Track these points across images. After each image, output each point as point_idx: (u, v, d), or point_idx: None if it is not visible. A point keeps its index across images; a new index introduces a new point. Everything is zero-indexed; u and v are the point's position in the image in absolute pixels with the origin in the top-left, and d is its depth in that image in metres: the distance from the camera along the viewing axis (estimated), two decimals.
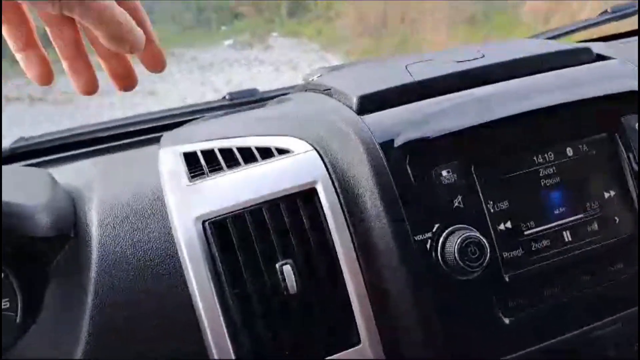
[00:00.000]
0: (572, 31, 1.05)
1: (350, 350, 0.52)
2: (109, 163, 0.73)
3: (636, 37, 0.92)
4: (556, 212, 0.57)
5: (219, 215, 0.51)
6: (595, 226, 0.58)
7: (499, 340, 0.53)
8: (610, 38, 1.06)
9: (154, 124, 0.93)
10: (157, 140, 0.72)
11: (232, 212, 0.52)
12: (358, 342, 0.52)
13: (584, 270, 0.57)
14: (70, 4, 0.35)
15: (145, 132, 0.91)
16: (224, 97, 0.97)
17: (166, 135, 0.70)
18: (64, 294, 0.55)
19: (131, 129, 0.93)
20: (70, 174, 0.68)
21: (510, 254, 0.55)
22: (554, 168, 0.58)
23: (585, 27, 1.04)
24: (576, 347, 0.55)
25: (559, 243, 0.56)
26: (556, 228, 0.57)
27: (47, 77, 0.41)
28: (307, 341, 0.51)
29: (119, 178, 0.64)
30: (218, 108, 0.92)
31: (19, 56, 0.41)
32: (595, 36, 1.09)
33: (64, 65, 0.42)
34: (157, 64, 0.43)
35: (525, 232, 0.56)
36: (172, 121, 0.92)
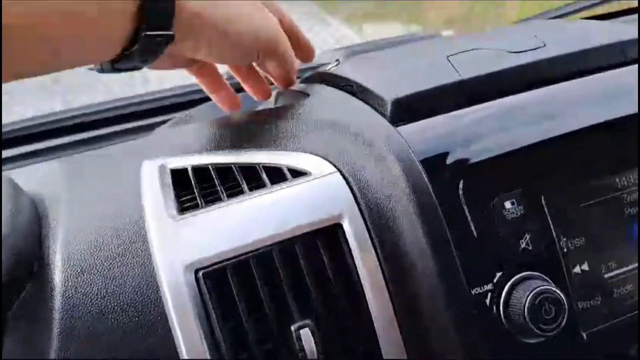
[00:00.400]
0: (577, 11, 0.95)
1: None
2: (81, 161, 0.60)
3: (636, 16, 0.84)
4: None
5: (216, 263, 0.39)
6: None
7: None
8: (608, 17, 0.95)
9: (139, 108, 0.80)
10: (147, 128, 0.60)
11: (233, 257, 0.40)
12: None
13: None
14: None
15: (134, 118, 0.78)
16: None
17: (156, 135, 0.58)
18: (24, 351, 0.43)
19: (120, 112, 0.81)
20: (33, 176, 0.56)
21: (587, 304, 0.43)
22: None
23: (590, 7, 0.94)
24: None
25: None
26: None
27: (237, 106, 0.62)
28: None
29: (91, 190, 0.52)
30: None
31: (212, 97, 0.61)
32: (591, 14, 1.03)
33: (212, 97, 0.62)
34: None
35: (606, 275, 0.44)
36: (157, 105, 0.80)
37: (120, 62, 0.44)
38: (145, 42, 0.41)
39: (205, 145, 0.51)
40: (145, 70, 0.50)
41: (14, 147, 0.80)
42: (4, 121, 0.82)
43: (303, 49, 0.59)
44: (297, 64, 0.59)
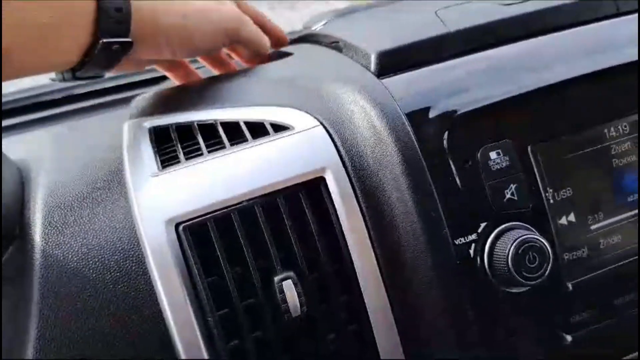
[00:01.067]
0: None
1: None
2: (67, 131, 0.60)
3: None
4: (630, 199, 0.45)
5: (198, 217, 0.39)
6: None
7: None
8: None
9: (132, 80, 0.79)
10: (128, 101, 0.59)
11: (214, 211, 0.39)
12: None
13: None
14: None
15: (123, 89, 0.77)
16: None
17: (137, 101, 0.57)
18: (7, 314, 0.43)
19: (107, 85, 0.80)
20: (21, 145, 0.55)
21: (573, 255, 0.43)
22: (629, 143, 0.45)
23: None
24: None
25: (632, 238, 0.44)
26: (630, 219, 0.44)
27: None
28: None
29: (74, 154, 0.51)
30: None
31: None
32: None
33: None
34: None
35: (592, 227, 0.44)
36: (146, 77, 0.78)
37: (80, 72, 0.44)
38: (102, 51, 0.42)
39: (187, 104, 0.50)
40: None
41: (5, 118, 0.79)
42: None
43: (271, 34, 0.58)
44: (267, 40, 0.57)
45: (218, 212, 0.39)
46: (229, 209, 0.39)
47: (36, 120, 0.79)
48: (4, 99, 0.83)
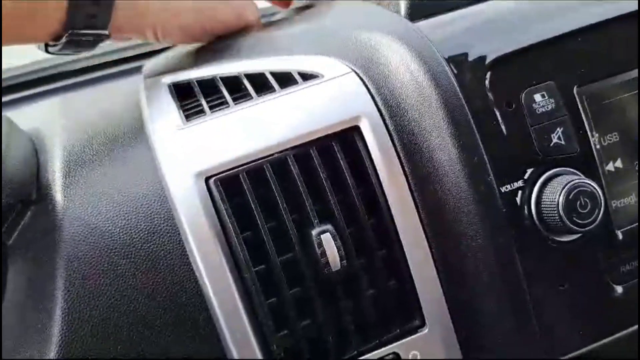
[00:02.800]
0: None
1: (412, 337, 0.39)
2: (77, 99, 0.58)
3: None
4: None
5: (229, 170, 0.37)
6: None
7: (609, 315, 0.40)
8: None
9: (136, 52, 0.77)
10: (138, 70, 0.56)
11: (245, 164, 0.37)
12: (422, 324, 0.39)
13: None
14: None
15: (125, 62, 0.74)
16: None
17: (151, 62, 0.55)
18: (30, 277, 0.41)
19: (110, 58, 0.77)
20: (31, 116, 0.53)
21: (621, 203, 0.41)
22: None
23: None
24: None
25: None
26: None
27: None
28: (356, 330, 0.38)
29: (88, 118, 0.49)
30: None
31: None
32: None
33: None
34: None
35: None
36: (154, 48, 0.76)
37: (53, 49, 0.44)
38: (71, 40, 0.42)
39: (206, 60, 0.48)
40: None
41: (16, 92, 0.77)
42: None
43: None
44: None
45: (250, 164, 0.37)
46: (261, 160, 0.37)
47: (43, 93, 0.77)
48: (10, 74, 0.81)
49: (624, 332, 0.40)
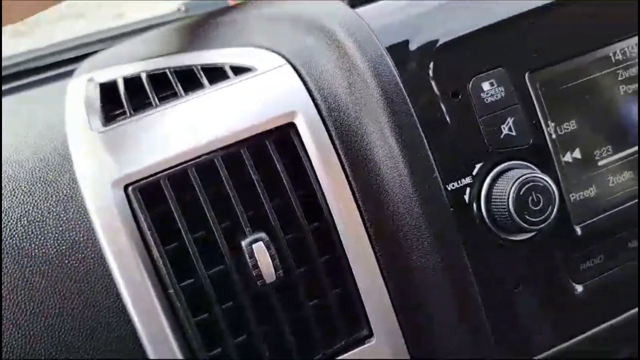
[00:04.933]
0: None
1: (360, 348, 0.36)
2: (14, 104, 0.54)
3: None
4: None
5: (149, 176, 0.34)
6: None
7: (568, 317, 0.38)
8: None
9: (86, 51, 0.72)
10: None
11: (168, 169, 0.34)
12: (370, 335, 0.36)
13: None
14: None
15: (74, 61, 0.70)
16: (178, 9, 0.76)
17: (87, 62, 0.51)
18: None
19: (60, 58, 0.73)
20: None
21: (580, 196, 0.38)
22: (637, 67, 0.40)
23: None
24: None
25: None
26: None
27: None
28: (298, 345, 0.35)
29: (19, 125, 0.45)
30: (169, 24, 0.71)
31: None
32: None
33: None
34: None
35: (600, 163, 0.39)
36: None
37: None
38: None
39: (137, 56, 0.44)
40: None
41: None
42: None
43: None
44: None
45: (173, 169, 0.34)
46: (185, 164, 0.34)
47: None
48: None
49: (586, 334, 0.37)
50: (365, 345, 0.36)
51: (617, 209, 0.38)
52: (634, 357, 0.40)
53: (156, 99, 0.37)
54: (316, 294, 0.35)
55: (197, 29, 0.46)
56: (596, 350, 0.38)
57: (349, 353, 0.36)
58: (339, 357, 0.35)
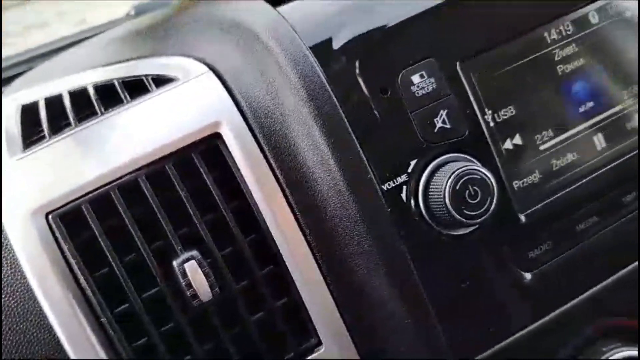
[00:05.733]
0: None
1: (310, 357, 0.35)
2: None
3: None
4: (581, 110, 0.39)
5: (70, 202, 0.32)
6: (637, 121, 0.40)
7: (520, 306, 0.37)
8: None
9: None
10: None
11: (89, 192, 0.32)
12: (319, 343, 0.35)
13: (624, 190, 0.40)
14: None
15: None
16: (128, 13, 0.74)
17: (18, 80, 0.49)
18: None
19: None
20: None
21: (523, 183, 0.37)
22: (574, 46, 0.39)
23: None
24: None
25: (589, 154, 0.39)
26: (584, 133, 0.39)
27: None
28: None
29: None
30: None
31: None
32: None
33: None
34: None
35: (542, 147, 0.38)
36: None
37: None
38: None
39: (61, 71, 0.42)
40: None
41: None
42: None
43: None
44: None
45: (94, 193, 0.32)
46: (106, 186, 0.32)
47: None
48: None
49: (539, 322, 0.37)
50: (315, 354, 0.35)
51: (562, 192, 0.38)
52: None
53: (75, 119, 0.35)
54: (259, 308, 0.34)
55: (129, 37, 0.44)
56: (549, 339, 0.37)
57: None
58: None
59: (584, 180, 0.38)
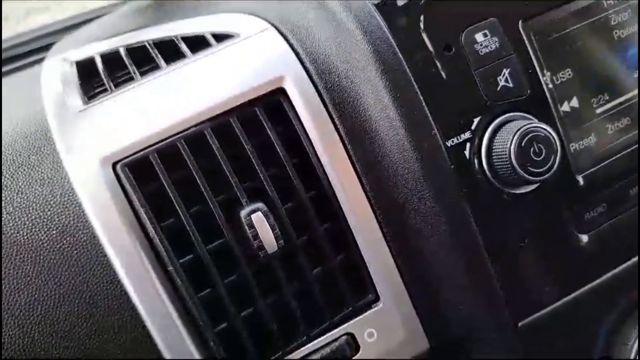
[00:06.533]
0: None
1: (366, 313, 0.35)
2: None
3: None
4: (635, 75, 0.39)
5: (138, 152, 0.32)
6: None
7: (575, 268, 0.37)
8: None
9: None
10: None
11: (156, 143, 0.32)
12: (376, 299, 0.35)
13: None
14: None
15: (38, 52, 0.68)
16: None
17: (60, 43, 0.49)
18: None
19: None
20: None
21: (580, 145, 0.38)
22: (630, 11, 0.39)
23: None
24: None
25: None
26: (637, 99, 0.39)
27: None
28: (304, 314, 0.34)
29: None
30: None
31: None
32: None
33: None
34: None
35: (598, 110, 0.38)
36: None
37: None
38: None
39: (115, 30, 0.42)
40: None
41: None
42: None
43: None
44: None
45: (161, 143, 0.32)
46: (174, 137, 0.32)
47: None
48: None
49: (594, 283, 0.37)
50: (372, 310, 0.35)
51: (617, 156, 0.38)
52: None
53: (137, 73, 0.35)
54: (320, 262, 0.34)
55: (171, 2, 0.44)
56: (598, 300, 0.38)
57: (356, 319, 0.35)
58: (346, 324, 0.35)
59: (637, 145, 0.38)
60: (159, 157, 0.32)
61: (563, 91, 0.37)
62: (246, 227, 0.32)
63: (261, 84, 0.34)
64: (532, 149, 0.33)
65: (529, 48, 0.36)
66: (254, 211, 0.32)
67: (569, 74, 0.37)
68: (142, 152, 0.32)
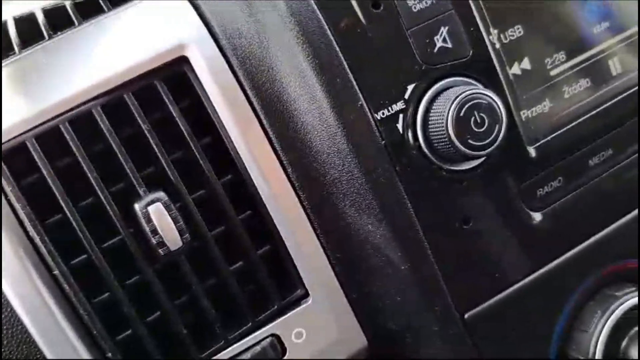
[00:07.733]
0: None
1: (295, 311, 0.31)
2: None
3: None
4: (595, 31, 0.35)
5: (12, 138, 0.27)
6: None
7: (528, 250, 0.33)
8: None
9: None
10: None
11: (35, 127, 0.28)
12: (306, 295, 0.31)
13: None
14: None
15: None
16: None
17: None
18: None
19: None
20: None
21: (532, 112, 0.33)
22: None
23: None
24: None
25: (604, 80, 0.35)
26: (598, 57, 0.35)
27: None
28: (222, 315, 0.30)
29: None
30: None
31: None
32: None
33: None
34: None
35: (553, 72, 0.34)
36: None
37: None
38: None
39: None
40: None
41: None
42: None
43: None
44: None
45: (41, 126, 0.28)
46: (56, 119, 0.28)
47: None
48: None
49: (549, 266, 0.33)
50: (301, 307, 0.31)
51: (574, 122, 0.34)
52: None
53: (19, 44, 0.30)
54: (238, 257, 0.30)
55: None
56: (559, 282, 0.34)
57: (282, 318, 0.31)
58: (271, 324, 0.31)
59: (598, 109, 0.34)
60: (40, 143, 0.27)
61: (512, 51, 0.32)
62: (143, 221, 0.28)
63: (161, 53, 0.29)
64: (472, 119, 0.29)
65: (472, 3, 0.31)
66: (152, 202, 0.28)
67: (519, 31, 0.33)
68: (18, 138, 0.27)
